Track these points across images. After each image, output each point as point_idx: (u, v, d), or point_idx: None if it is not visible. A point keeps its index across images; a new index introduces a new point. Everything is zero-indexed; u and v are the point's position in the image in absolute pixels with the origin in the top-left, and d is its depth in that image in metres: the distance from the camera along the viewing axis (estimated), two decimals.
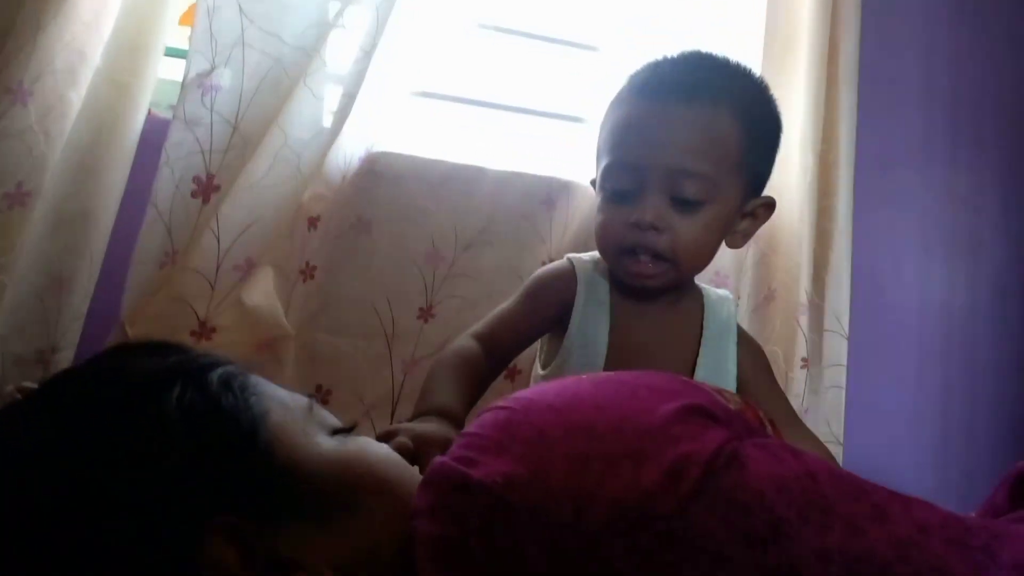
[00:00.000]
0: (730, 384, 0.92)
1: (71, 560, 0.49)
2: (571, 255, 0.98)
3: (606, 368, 0.91)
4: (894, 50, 1.74)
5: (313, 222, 1.37)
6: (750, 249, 1.62)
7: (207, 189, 1.21)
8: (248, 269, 1.25)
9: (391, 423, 1.23)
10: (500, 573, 0.54)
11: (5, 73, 1.08)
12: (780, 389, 1.00)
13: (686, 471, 0.54)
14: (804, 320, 1.62)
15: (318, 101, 1.27)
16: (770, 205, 0.91)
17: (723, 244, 0.92)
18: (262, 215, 1.24)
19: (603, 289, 0.92)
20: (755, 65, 1.47)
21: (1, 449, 0.53)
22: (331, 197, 1.37)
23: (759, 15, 1.56)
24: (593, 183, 0.95)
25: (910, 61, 1.76)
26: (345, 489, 0.59)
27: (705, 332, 0.93)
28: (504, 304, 0.97)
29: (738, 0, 1.56)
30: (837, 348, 1.64)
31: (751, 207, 0.90)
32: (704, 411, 0.60)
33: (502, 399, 0.64)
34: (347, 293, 1.41)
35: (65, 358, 1.23)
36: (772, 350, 1.65)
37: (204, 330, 1.23)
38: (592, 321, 0.91)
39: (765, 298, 1.67)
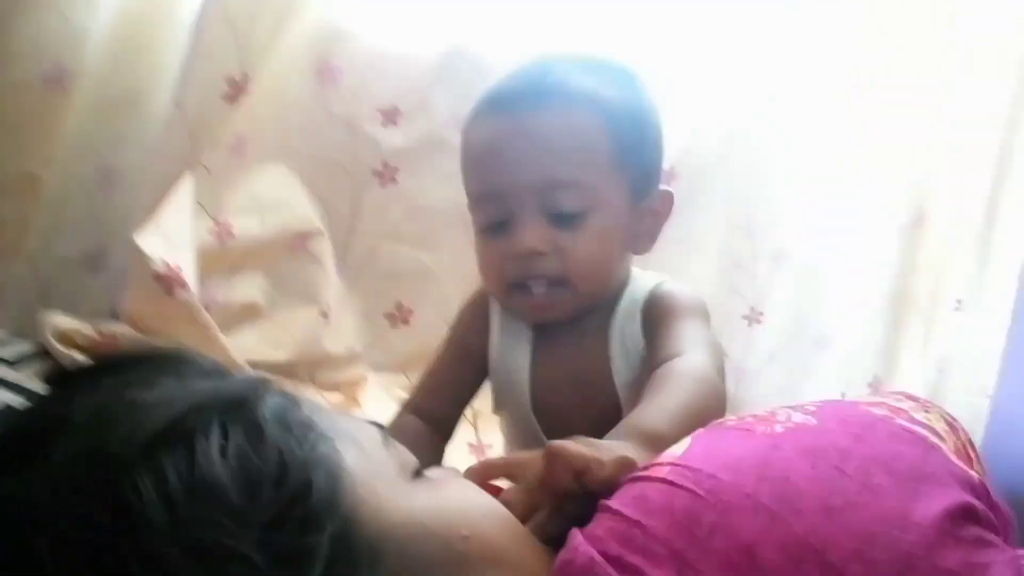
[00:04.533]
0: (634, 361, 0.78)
1: None
2: None
3: (534, 404, 0.80)
4: None
5: (392, 117, 1.18)
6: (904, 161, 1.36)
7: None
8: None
9: None
10: None
11: None
12: (673, 330, 0.78)
13: None
14: (963, 252, 1.36)
15: None
16: (668, 196, 0.80)
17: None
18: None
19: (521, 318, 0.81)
20: None
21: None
22: (415, 91, 1.17)
23: None
24: None
25: None
26: (450, 557, 0.43)
27: (613, 324, 0.79)
28: (435, 364, 0.86)
29: None
30: (1003, 287, 1.39)
31: (648, 205, 0.79)
32: (971, 513, 0.41)
33: (657, 466, 0.45)
34: (434, 201, 1.23)
35: (117, 262, 1.09)
36: (910, 282, 1.42)
37: (221, 231, 1.07)
38: (511, 356, 0.81)
39: (915, 220, 1.41)
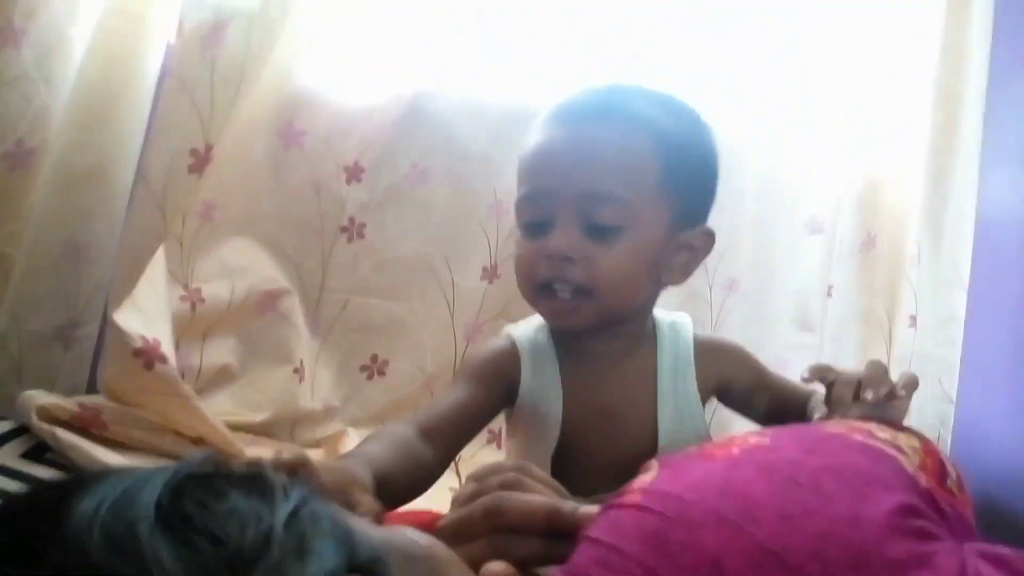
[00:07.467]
0: (698, 414, 0.84)
1: None
2: (510, 329, 0.87)
3: (562, 439, 0.81)
4: None
5: (355, 174, 1.21)
6: (848, 189, 1.42)
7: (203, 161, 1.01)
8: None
9: None
10: None
11: None
12: (771, 375, 0.89)
13: None
14: (914, 274, 1.42)
15: None
16: (709, 235, 0.83)
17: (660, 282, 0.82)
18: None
19: (550, 359, 0.83)
20: None
21: None
22: (377, 146, 1.20)
23: None
24: None
25: None
26: None
27: (660, 373, 0.84)
28: (446, 393, 0.84)
29: None
30: (953, 301, 1.44)
31: (686, 239, 0.81)
32: (916, 511, 0.45)
33: (630, 493, 0.48)
34: (402, 253, 1.25)
35: (88, 334, 1.09)
36: (871, 303, 1.47)
37: (192, 297, 1.09)
38: (543, 395, 0.82)
39: (864, 244, 1.46)
